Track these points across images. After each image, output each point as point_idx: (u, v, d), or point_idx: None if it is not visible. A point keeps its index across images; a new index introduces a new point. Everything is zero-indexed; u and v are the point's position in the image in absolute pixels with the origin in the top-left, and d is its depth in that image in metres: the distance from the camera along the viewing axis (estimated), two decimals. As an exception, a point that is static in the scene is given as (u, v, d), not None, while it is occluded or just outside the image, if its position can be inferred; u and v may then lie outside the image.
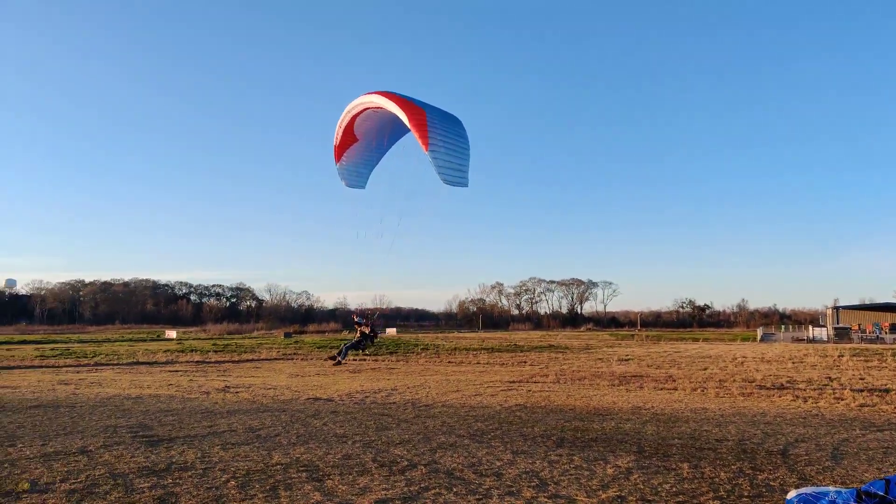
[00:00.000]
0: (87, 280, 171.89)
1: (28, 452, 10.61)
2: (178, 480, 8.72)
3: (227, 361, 40.11)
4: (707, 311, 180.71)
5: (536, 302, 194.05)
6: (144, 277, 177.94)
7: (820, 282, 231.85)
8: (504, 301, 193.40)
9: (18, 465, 9.58)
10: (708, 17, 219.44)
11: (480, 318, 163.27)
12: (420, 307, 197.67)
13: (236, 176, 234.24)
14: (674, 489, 8.62)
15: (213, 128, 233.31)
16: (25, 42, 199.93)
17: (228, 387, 22.54)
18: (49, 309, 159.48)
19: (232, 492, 8.17)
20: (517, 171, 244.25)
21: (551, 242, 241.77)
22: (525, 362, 37.67)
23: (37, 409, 16.15)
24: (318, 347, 54.96)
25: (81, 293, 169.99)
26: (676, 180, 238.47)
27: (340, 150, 18.03)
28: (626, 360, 41.12)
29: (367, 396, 19.62)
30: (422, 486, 8.59)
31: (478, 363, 37.07)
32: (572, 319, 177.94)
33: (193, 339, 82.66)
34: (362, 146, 17.76)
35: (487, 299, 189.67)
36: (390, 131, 17.23)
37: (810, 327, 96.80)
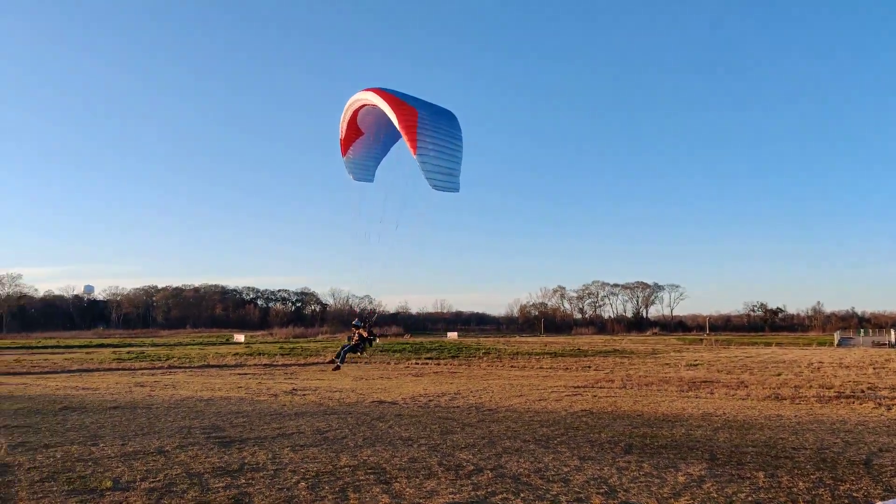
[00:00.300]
0: (160, 286, 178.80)
1: (109, 451, 11.08)
2: (250, 481, 8.94)
3: (294, 365, 41.00)
4: (780, 315, 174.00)
5: (600, 306, 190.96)
6: (213, 283, 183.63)
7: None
8: (566, 305, 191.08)
9: (101, 464, 10.02)
10: None
11: (542, 322, 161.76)
12: (480, 311, 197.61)
13: (302, 183, 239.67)
14: (749, 498, 8.32)
15: (283, 136, 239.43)
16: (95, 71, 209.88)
17: (295, 389, 23.01)
18: (124, 314, 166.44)
19: (303, 493, 8.32)
20: (577, 171, 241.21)
21: (615, 245, 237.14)
22: (589, 367, 37.13)
23: (116, 410, 16.87)
24: (381, 351, 55.55)
25: (154, 298, 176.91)
26: (748, 176, 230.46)
27: (346, 144, 17.90)
28: (694, 365, 40.01)
29: (430, 400, 19.69)
30: (489, 490, 8.56)
31: (541, 368, 36.75)
32: (637, 324, 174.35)
33: (261, 343, 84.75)
34: (368, 140, 17.50)
35: (549, 303, 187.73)
36: (389, 128, 17.10)
37: (892, 331, 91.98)
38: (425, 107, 15.59)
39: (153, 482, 8.82)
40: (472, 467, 9.91)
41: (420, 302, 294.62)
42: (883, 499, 8.11)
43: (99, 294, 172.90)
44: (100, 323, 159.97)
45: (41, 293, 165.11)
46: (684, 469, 10.03)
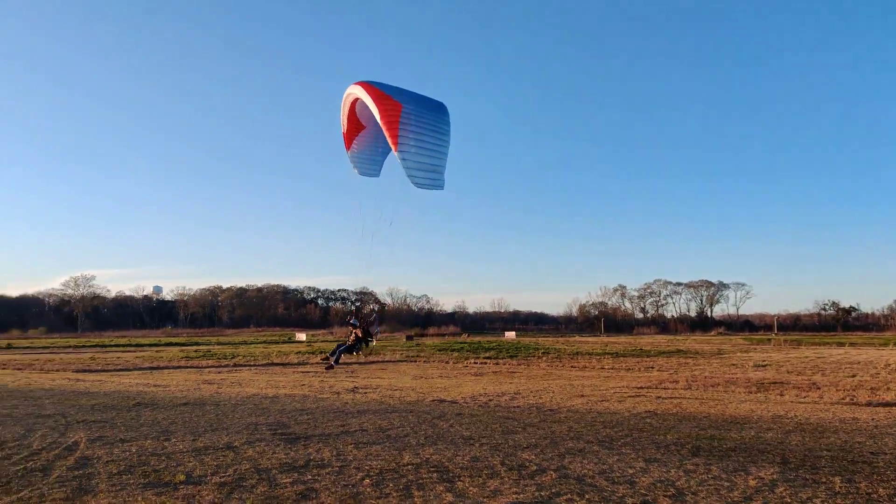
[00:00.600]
0: (225, 286, 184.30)
1: (181, 446, 11.46)
2: (316, 477, 9.10)
3: (354, 363, 41.56)
4: (853, 314, 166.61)
5: (662, 305, 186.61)
6: (276, 283, 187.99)
7: None
8: (627, 304, 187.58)
9: (174, 458, 10.36)
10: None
11: (602, 321, 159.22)
12: (539, 310, 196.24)
13: (360, 185, 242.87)
14: (826, 504, 7.99)
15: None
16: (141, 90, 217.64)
17: (357, 387, 23.33)
18: (191, 313, 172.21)
19: (368, 489, 8.42)
20: (637, 169, 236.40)
21: (677, 242, 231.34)
22: (652, 368, 36.40)
23: (185, 407, 17.44)
24: (439, 350, 55.77)
25: (219, 298, 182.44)
26: (818, 171, 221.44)
27: (349, 138, 17.30)
28: (762, 365, 38.73)
29: (490, 399, 19.65)
30: (553, 491, 8.47)
31: (602, 368, 36.24)
32: (702, 323, 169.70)
33: (322, 342, 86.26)
34: (372, 133, 16.85)
35: (609, 302, 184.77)
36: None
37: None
38: (411, 100, 15.00)
39: (223, 477, 9.08)
40: (534, 467, 9.83)
41: (477, 301, 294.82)
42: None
43: (167, 294, 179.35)
44: (168, 322, 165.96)
45: (113, 294, 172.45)
46: (755, 473, 9.70)
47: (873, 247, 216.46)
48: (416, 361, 43.35)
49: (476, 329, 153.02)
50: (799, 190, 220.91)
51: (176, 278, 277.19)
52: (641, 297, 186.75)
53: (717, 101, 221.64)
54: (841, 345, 79.34)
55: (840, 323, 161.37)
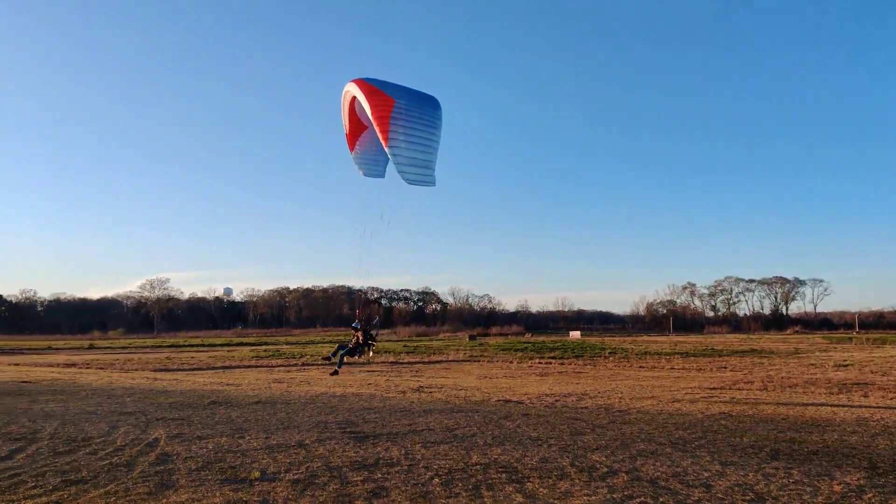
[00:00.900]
0: (292, 287, 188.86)
1: (255, 444, 11.77)
2: (386, 475, 9.18)
3: (419, 362, 41.89)
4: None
5: (734, 303, 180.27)
6: (340, 283, 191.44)
7: None
8: (697, 302, 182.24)
9: (248, 455, 10.65)
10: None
11: (671, 320, 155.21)
12: (604, 309, 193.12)
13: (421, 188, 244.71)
14: (922, 513, 7.54)
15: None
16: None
17: (422, 387, 23.47)
18: (260, 314, 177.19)
19: (437, 489, 8.44)
20: (705, 160, 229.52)
21: (749, 238, 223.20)
22: (725, 368, 35.27)
23: (258, 405, 17.90)
24: (503, 350, 55.57)
25: (287, 299, 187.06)
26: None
27: (353, 138, 16.87)
28: (844, 365, 36.98)
29: (557, 400, 19.43)
30: (625, 493, 8.29)
31: (671, 368, 35.36)
32: (776, 321, 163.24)
33: (386, 341, 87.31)
34: (373, 133, 16.39)
35: (678, 300, 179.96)
36: None
37: None
38: (404, 95, 14.73)
39: (296, 474, 9.26)
40: (605, 469, 9.65)
41: (540, 300, 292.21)
42: None
43: (237, 296, 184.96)
44: (238, 323, 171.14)
45: (186, 296, 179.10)
46: (839, 478, 9.26)
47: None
48: (479, 361, 43.32)
49: (539, 328, 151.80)
50: (881, 180, 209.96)
51: (245, 280, 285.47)
52: (712, 295, 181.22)
53: (787, 89, 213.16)
54: (929, 344, 74.96)
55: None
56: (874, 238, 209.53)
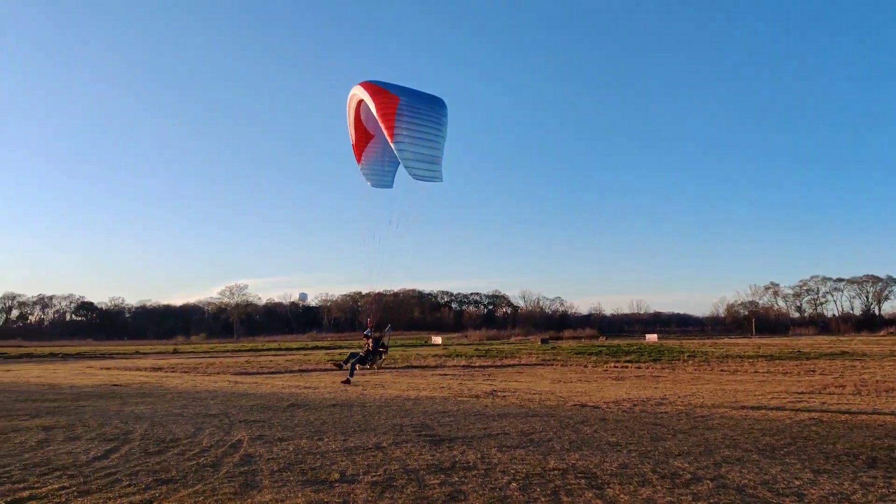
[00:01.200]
0: (364, 291, 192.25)
1: (333, 446, 11.97)
2: (463, 479, 9.15)
3: (491, 366, 41.73)
4: None
5: (821, 303, 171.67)
6: (411, 288, 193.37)
7: None
8: (781, 303, 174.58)
9: (328, 457, 10.83)
10: None
11: (753, 322, 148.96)
12: (681, 312, 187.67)
13: (496, 190, 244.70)
14: None
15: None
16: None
17: (495, 391, 23.34)
18: (334, 318, 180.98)
19: (515, 493, 8.34)
20: (793, 156, 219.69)
21: (837, 235, 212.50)
22: (814, 371, 33.58)
23: (334, 408, 18.23)
24: (576, 353, 54.72)
25: (359, 304, 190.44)
26: None
27: (359, 150, 16.66)
28: (944, 369, 34.59)
29: (635, 405, 18.94)
30: (710, 501, 7.99)
31: (756, 372, 33.93)
32: (868, 322, 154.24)
33: (457, 345, 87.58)
34: (382, 142, 16.07)
35: (761, 301, 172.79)
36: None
37: None
38: (408, 94, 14.67)
39: (375, 476, 9.35)
40: (689, 476, 9.32)
41: (614, 303, 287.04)
42: None
43: (312, 301, 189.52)
44: (314, 327, 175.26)
45: (264, 301, 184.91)
46: (949, 490, 8.63)
47: None
48: (552, 365, 42.75)
49: (613, 331, 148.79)
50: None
51: (319, 285, 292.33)
52: (797, 296, 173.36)
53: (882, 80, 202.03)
54: None
55: None
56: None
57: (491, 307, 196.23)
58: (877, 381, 26.64)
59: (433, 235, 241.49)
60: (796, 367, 37.23)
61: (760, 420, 15.58)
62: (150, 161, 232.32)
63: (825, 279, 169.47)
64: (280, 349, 79.96)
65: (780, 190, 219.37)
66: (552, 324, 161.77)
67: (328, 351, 68.73)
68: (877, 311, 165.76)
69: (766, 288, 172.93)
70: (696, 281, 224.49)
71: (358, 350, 17.89)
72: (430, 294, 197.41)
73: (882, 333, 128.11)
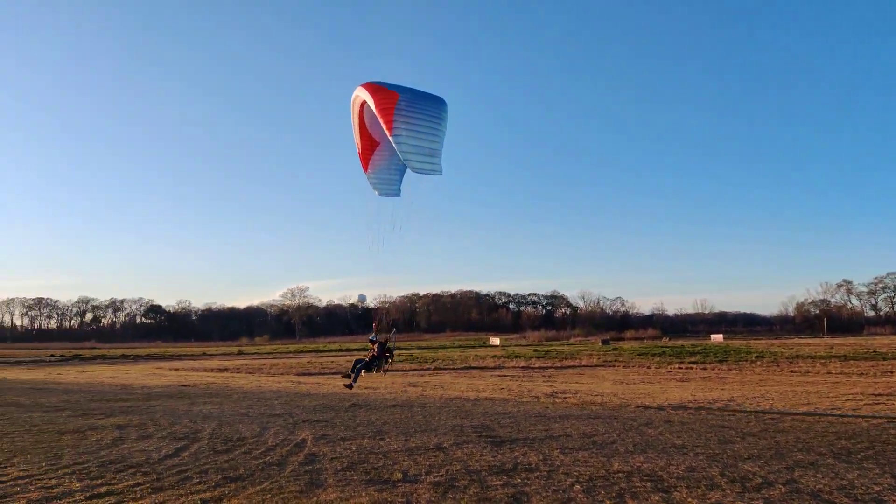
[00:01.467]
0: (422, 293, 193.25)
1: (395, 446, 12.07)
2: (525, 480, 9.09)
3: (550, 367, 41.38)
4: None
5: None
6: (469, 289, 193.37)
7: None
8: (854, 301, 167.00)
9: (390, 457, 10.93)
10: None
11: (825, 321, 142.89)
12: (747, 311, 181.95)
13: (561, 189, 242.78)
14: None
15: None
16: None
17: (556, 392, 23.11)
18: (393, 319, 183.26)
19: (579, 496, 8.23)
20: (858, 154, 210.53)
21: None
22: (891, 372, 32.05)
23: (395, 408, 18.38)
24: (638, 354, 53.66)
25: (417, 305, 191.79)
26: None
27: (366, 158, 16.50)
28: None
29: (701, 407, 18.45)
30: (784, 507, 7.70)
31: (828, 373, 32.61)
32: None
33: (515, 346, 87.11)
34: (387, 149, 15.83)
35: (832, 300, 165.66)
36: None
37: None
38: (408, 91, 14.69)
39: (437, 476, 9.39)
40: (759, 480, 9.02)
41: (677, 303, 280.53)
42: None
43: (370, 302, 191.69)
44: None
45: (324, 303, 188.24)
46: None
47: None
48: (613, 366, 42.05)
49: (677, 332, 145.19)
50: None
51: (378, 287, 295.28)
52: (872, 293, 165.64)
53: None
54: None
55: None
56: None
57: (550, 308, 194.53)
58: (962, 383, 25.21)
59: (491, 237, 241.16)
60: (872, 367, 35.59)
61: (835, 423, 14.95)
62: (217, 176, 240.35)
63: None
64: (341, 350, 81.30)
65: (853, 183, 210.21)
66: (613, 324, 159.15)
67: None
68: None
69: (839, 286, 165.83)
70: (762, 279, 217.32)
71: (363, 357, 18.05)
72: (487, 295, 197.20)
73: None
